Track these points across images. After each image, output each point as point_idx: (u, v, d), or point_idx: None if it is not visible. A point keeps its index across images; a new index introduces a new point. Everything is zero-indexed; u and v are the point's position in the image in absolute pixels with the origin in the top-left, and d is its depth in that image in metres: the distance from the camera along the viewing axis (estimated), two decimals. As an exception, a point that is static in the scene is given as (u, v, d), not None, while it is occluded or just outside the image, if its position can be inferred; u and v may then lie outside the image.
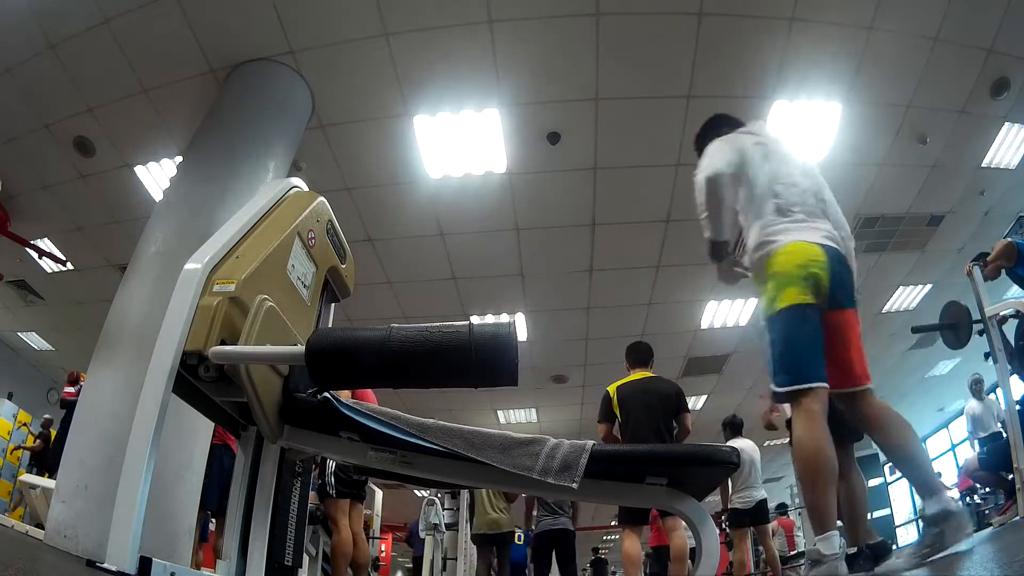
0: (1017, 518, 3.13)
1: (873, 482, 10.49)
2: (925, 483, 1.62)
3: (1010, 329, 3.37)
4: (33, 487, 4.47)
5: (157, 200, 4.83)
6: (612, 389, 3.68)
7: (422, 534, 6.76)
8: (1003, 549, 1.87)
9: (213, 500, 3.50)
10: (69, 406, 4.82)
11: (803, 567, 1.37)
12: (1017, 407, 3.04)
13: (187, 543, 3.00)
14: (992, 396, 5.72)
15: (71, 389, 5.20)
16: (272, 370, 1.21)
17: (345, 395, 2.72)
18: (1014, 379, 3.25)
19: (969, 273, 3.44)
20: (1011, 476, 3.35)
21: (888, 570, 1.45)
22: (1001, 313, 3.21)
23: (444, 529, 6.53)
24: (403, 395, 6.94)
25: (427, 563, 6.61)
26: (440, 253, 5.87)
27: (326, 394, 1.22)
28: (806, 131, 4.81)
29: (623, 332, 6.68)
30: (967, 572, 1.43)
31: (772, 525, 5.88)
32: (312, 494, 5.15)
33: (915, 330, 3.72)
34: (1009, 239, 3.15)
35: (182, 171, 4.14)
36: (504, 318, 6.62)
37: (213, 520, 4.18)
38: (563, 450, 1.22)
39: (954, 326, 3.31)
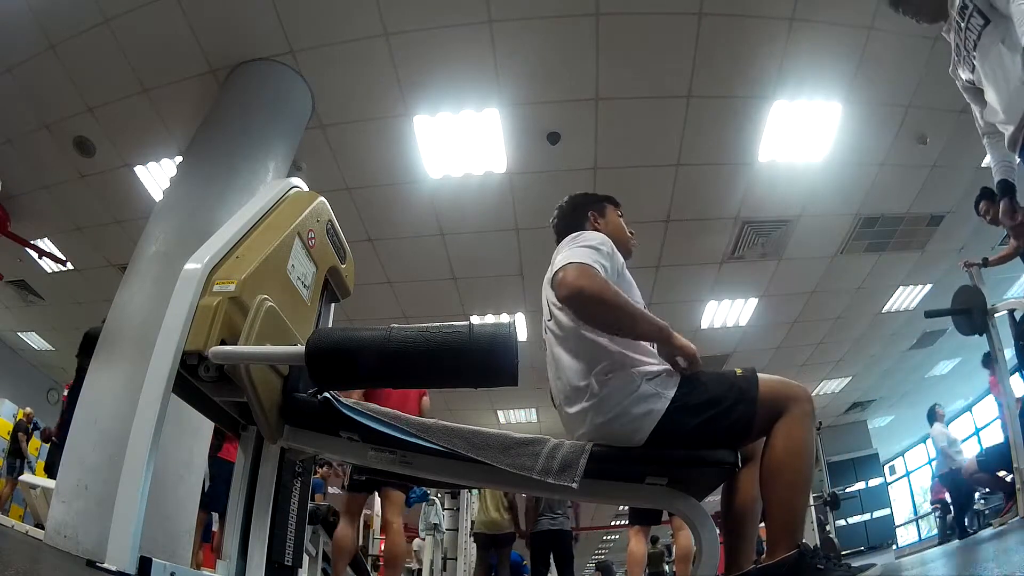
0: (1017, 518, 3.13)
1: (873, 482, 10.50)
2: None
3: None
4: (33, 487, 4.47)
5: (157, 200, 4.83)
6: None
7: (422, 534, 6.77)
8: (1003, 550, 1.87)
9: (221, 502, 3.48)
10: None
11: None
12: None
13: (187, 543, 3.00)
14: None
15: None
16: (272, 370, 1.21)
17: (357, 395, 2.66)
18: (1014, 379, 3.26)
19: (968, 268, 3.44)
20: (1010, 477, 3.36)
21: (878, 570, 1.44)
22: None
23: (444, 529, 6.54)
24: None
25: (427, 563, 6.62)
26: (440, 253, 5.87)
27: (326, 394, 1.22)
28: (806, 131, 4.82)
29: (623, 332, 6.67)
30: (968, 572, 1.43)
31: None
32: (319, 495, 5.14)
33: (928, 314, 3.67)
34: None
35: (182, 171, 4.14)
36: (504, 318, 6.62)
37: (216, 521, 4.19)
38: (563, 450, 1.22)
39: (967, 311, 3.27)
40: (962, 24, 1.76)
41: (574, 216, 1.81)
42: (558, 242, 1.81)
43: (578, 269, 1.36)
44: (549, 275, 1.55)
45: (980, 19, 1.67)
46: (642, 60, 4.22)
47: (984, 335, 3.17)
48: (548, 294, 1.57)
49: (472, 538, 5.75)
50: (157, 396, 1.05)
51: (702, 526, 1.30)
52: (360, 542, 4.66)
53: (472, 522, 6.70)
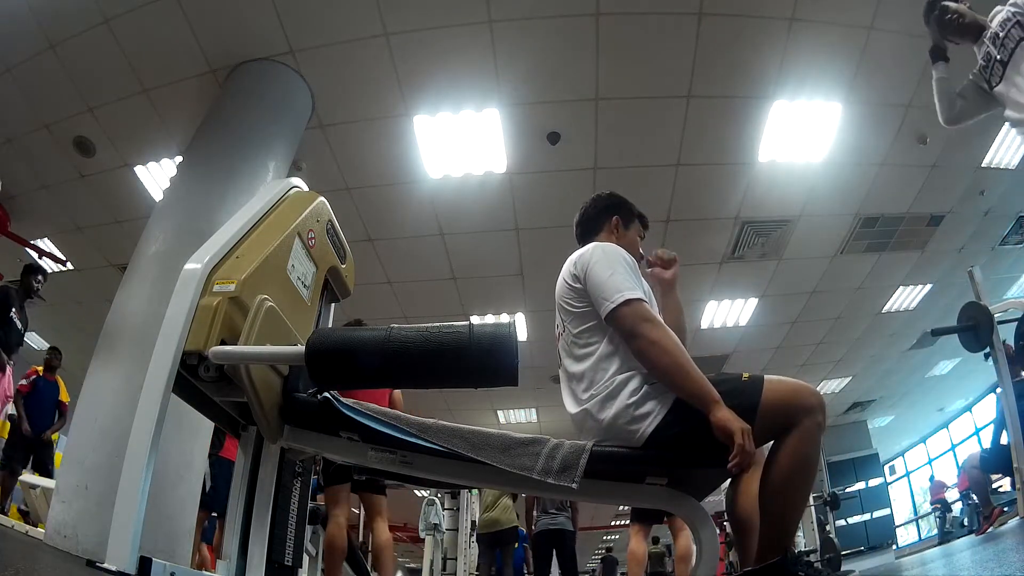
0: (1017, 518, 3.13)
1: (873, 482, 10.51)
2: None
3: (1009, 329, 3.37)
4: (33, 487, 4.47)
5: (157, 200, 4.83)
6: None
7: (422, 534, 6.77)
8: (1003, 550, 1.87)
9: (222, 502, 3.47)
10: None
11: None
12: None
13: (187, 543, 3.00)
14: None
15: None
16: (272, 370, 1.21)
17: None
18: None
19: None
20: (1006, 480, 3.36)
21: (880, 570, 1.44)
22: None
23: (444, 529, 6.54)
24: (403, 395, 6.94)
25: (427, 563, 6.62)
26: (440, 253, 5.87)
27: (326, 394, 1.22)
28: (806, 131, 4.82)
29: (623, 332, 6.67)
30: (968, 572, 1.43)
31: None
32: (321, 495, 5.10)
33: (934, 333, 3.68)
34: None
35: (182, 171, 4.14)
36: (504, 318, 6.62)
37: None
38: (563, 450, 1.22)
39: (974, 328, 3.29)
40: (1000, 35, 2.00)
41: (602, 213, 1.75)
42: (578, 229, 1.75)
43: (635, 311, 1.34)
44: (567, 274, 1.51)
45: (1020, 32, 1.93)
46: (642, 60, 4.22)
47: (989, 352, 3.18)
48: (563, 293, 1.52)
49: (473, 538, 5.75)
50: (157, 396, 1.05)
51: (702, 526, 1.30)
52: (360, 539, 4.65)
53: (473, 522, 6.69)
